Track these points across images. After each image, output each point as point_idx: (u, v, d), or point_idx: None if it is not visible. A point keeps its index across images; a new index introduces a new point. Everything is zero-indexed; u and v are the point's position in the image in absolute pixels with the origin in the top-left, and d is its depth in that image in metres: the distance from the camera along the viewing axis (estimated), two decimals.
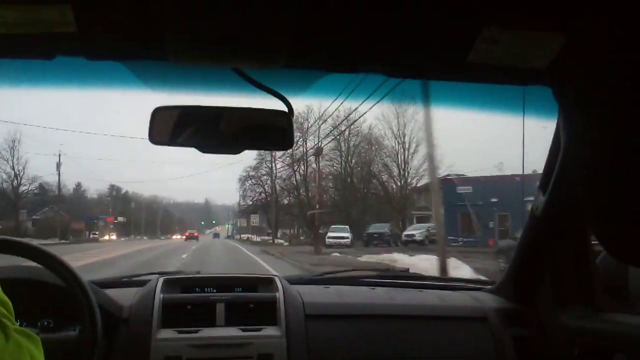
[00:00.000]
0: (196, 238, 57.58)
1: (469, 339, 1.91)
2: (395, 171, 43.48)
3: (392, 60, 1.23)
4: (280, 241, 43.89)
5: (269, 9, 1.01)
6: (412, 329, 1.90)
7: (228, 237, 79.77)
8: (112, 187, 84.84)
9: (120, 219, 76.74)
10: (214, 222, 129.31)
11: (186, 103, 1.36)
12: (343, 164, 46.40)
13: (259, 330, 1.77)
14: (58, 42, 1.09)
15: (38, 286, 1.60)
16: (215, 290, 1.92)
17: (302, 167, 46.11)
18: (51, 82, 1.33)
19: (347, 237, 33.37)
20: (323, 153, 39.70)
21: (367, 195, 45.50)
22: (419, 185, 41.62)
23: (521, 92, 1.53)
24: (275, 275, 2.05)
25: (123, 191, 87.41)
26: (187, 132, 1.35)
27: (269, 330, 1.78)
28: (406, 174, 42.93)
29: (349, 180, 45.96)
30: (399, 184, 43.55)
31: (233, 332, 1.77)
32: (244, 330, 1.77)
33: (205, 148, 1.37)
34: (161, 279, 1.93)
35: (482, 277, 2.24)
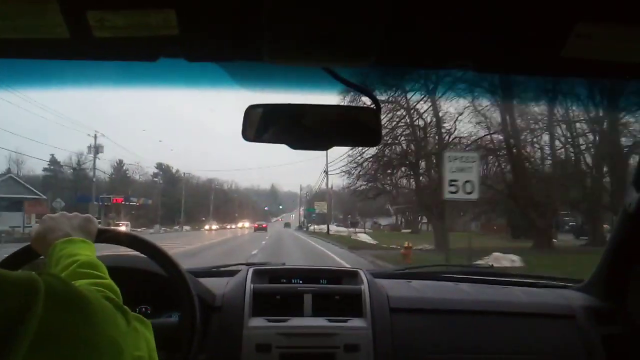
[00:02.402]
0: (265, 229, 53.73)
1: (555, 336, 1.87)
2: None
3: (483, 55, 1.21)
4: None
5: (361, 6, 1.01)
6: (497, 325, 1.88)
7: (300, 227, 66.80)
8: (160, 166, 71.00)
9: (141, 200, 56.52)
10: (280, 206, 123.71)
11: (277, 101, 1.40)
12: None
13: (345, 321, 1.80)
14: (161, 45, 1.14)
15: (136, 274, 1.68)
16: (301, 282, 1.97)
17: None
18: (153, 82, 1.41)
19: None
20: None
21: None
22: None
23: (611, 87, 1.46)
24: (359, 269, 2.08)
25: (174, 170, 72.73)
26: (278, 129, 1.39)
27: (355, 322, 1.81)
28: None
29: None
30: None
31: (320, 322, 1.80)
32: (330, 321, 1.80)
33: (295, 145, 1.40)
34: (251, 270, 2.00)
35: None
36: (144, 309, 1.69)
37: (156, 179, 72.16)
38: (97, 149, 42.96)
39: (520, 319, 1.91)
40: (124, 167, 66.09)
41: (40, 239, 1.17)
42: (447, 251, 16.43)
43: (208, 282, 1.88)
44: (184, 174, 72.39)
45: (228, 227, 67.36)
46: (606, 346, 1.84)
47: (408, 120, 28.21)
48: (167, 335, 1.50)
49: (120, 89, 1.50)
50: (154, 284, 1.67)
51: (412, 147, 27.77)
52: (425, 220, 41.24)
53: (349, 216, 57.62)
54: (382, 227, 50.36)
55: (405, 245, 16.41)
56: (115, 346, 0.69)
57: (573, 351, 1.84)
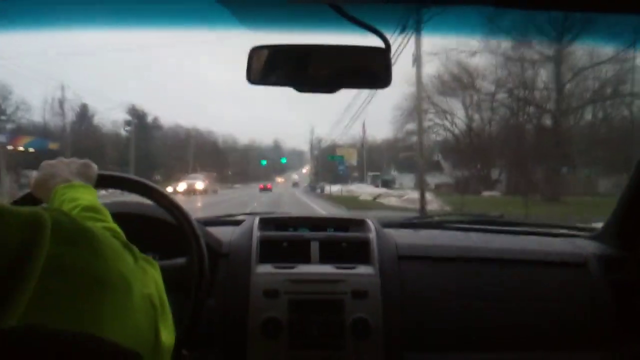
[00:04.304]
0: (270, 190, 47.70)
1: (566, 284, 1.86)
2: None
3: None
4: None
5: None
6: (507, 272, 1.87)
7: (311, 187, 51.16)
8: (133, 111, 47.70)
9: (22, 141, 31.62)
10: (282, 160, 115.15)
11: (282, 42, 1.34)
12: None
13: (353, 268, 1.79)
14: None
15: (141, 221, 1.66)
16: (308, 230, 1.95)
17: None
18: (152, 22, 1.34)
19: None
20: None
21: None
22: None
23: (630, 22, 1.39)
24: (366, 218, 2.05)
25: (149, 118, 54.09)
26: (284, 71, 1.35)
27: (363, 269, 1.79)
28: None
29: None
30: None
31: (328, 269, 1.79)
32: (338, 268, 1.79)
33: (301, 87, 1.36)
34: (257, 218, 1.98)
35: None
36: (150, 256, 1.67)
37: (129, 128, 50.43)
38: None
39: (530, 266, 1.89)
40: (89, 114, 47.69)
41: (41, 185, 1.17)
42: None
43: (215, 230, 1.86)
44: (173, 125, 56.72)
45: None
46: (617, 294, 1.83)
47: None
48: (175, 277, 1.49)
49: (115, 30, 1.43)
50: (159, 230, 1.66)
51: None
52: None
53: (369, 173, 44.15)
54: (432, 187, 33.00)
55: None
56: (125, 281, 0.66)
57: (583, 298, 1.83)
